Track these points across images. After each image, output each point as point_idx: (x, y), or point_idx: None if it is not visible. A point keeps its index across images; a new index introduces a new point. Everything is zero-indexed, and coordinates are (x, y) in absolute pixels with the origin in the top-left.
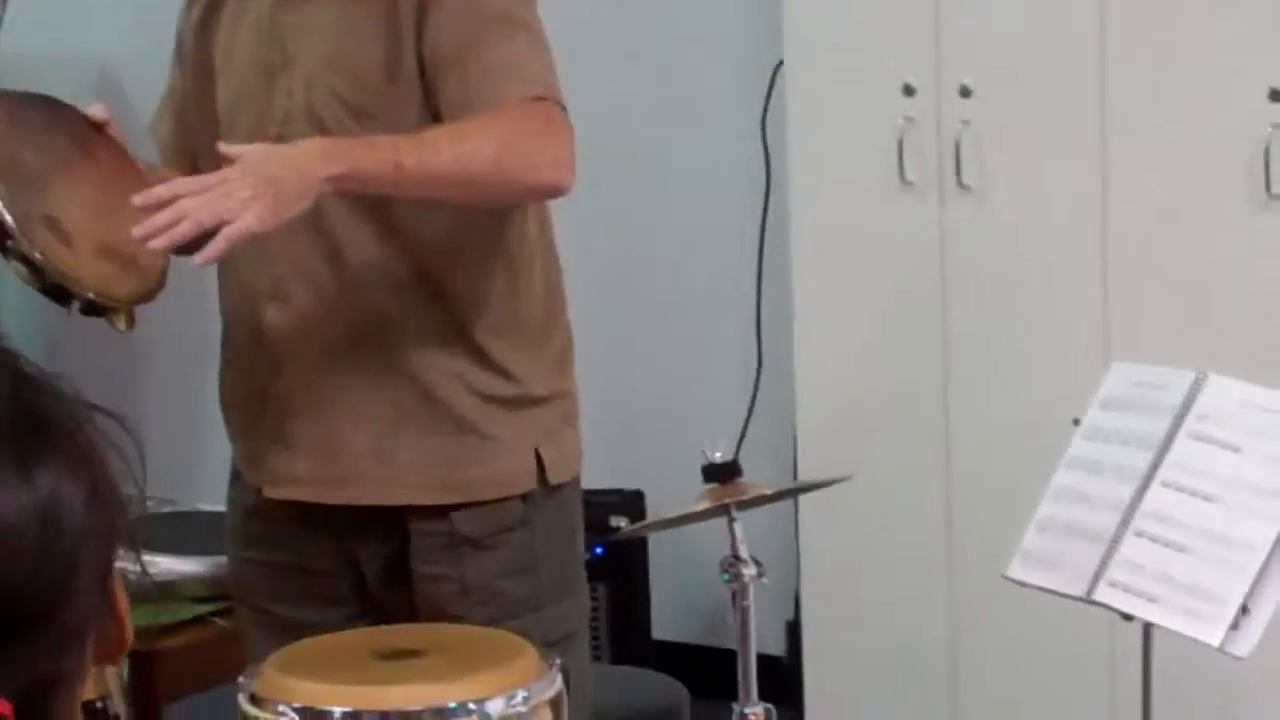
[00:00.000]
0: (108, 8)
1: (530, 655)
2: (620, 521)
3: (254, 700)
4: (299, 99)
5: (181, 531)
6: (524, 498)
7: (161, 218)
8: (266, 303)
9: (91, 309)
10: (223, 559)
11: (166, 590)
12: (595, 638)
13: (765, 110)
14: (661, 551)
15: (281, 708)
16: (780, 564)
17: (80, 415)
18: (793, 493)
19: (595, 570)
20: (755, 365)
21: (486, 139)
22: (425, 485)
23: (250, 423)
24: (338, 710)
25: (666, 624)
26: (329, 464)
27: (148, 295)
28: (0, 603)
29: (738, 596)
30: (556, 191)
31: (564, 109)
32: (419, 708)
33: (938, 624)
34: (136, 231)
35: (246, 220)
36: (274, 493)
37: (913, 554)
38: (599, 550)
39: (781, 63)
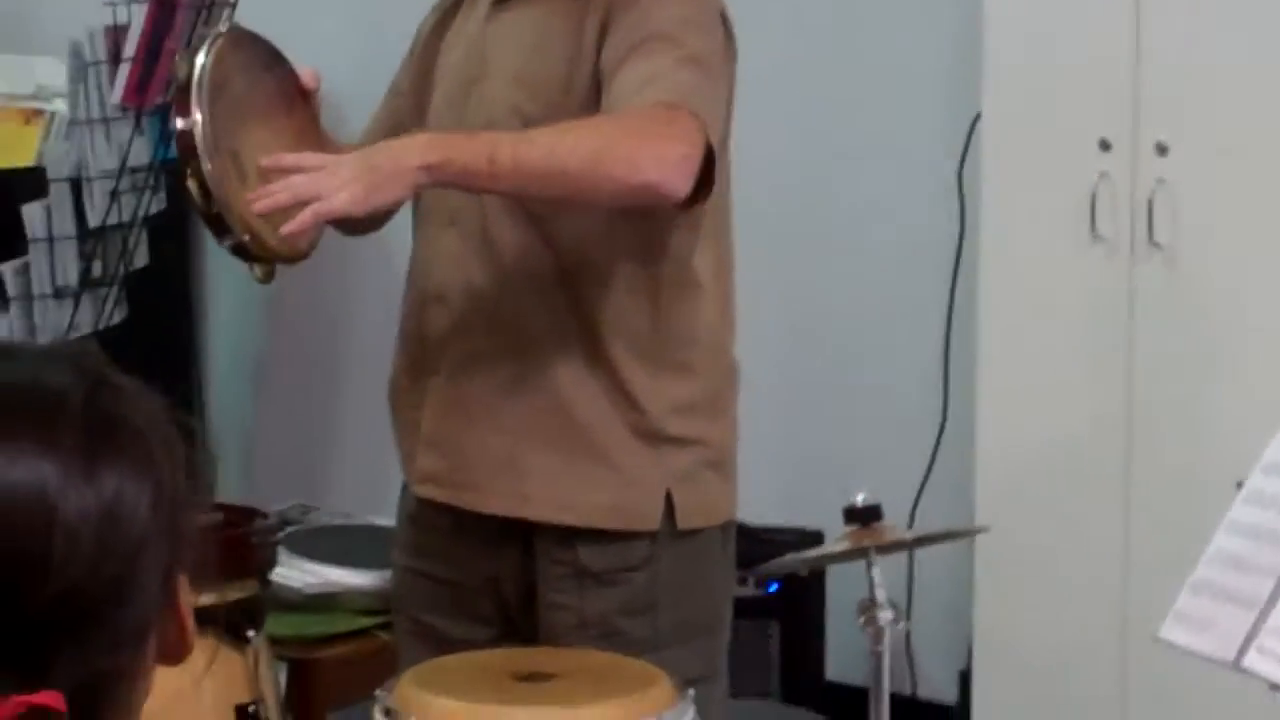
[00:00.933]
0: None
1: (663, 685)
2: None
3: (387, 713)
4: (486, 112)
5: (349, 544)
6: (652, 537)
7: (273, 184)
8: (431, 304)
9: (239, 250)
10: (388, 573)
11: (330, 601)
12: (766, 677)
13: (962, 161)
14: (839, 592)
15: None
16: (956, 613)
17: (155, 422)
18: (929, 540)
19: (769, 608)
20: (940, 412)
21: (591, 135)
22: (550, 502)
23: (410, 421)
24: None
25: (841, 666)
26: (463, 468)
27: (294, 256)
28: (58, 597)
29: (873, 640)
30: (659, 193)
31: (700, 121)
32: None
33: (1109, 682)
34: (250, 194)
35: (338, 200)
36: (418, 490)
37: (1086, 610)
38: (773, 588)
39: (980, 115)
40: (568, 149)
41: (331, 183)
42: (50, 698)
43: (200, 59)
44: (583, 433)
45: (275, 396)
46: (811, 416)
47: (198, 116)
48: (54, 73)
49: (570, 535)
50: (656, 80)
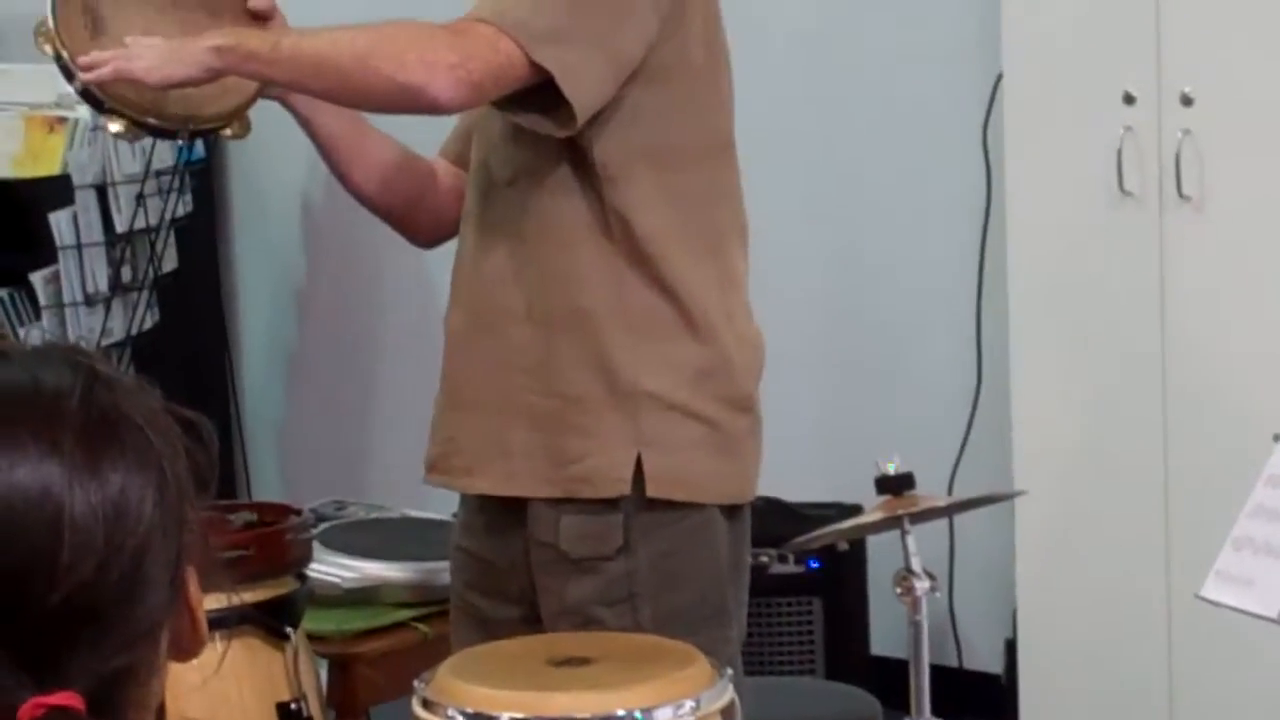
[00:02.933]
0: None
1: (701, 665)
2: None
3: (425, 705)
4: None
5: (386, 538)
6: (625, 517)
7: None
8: (451, 301)
9: (86, 95)
10: (425, 564)
11: (368, 595)
12: (810, 653)
13: (986, 121)
14: (880, 566)
15: (452, 712)
16: (999, 583)
17: (153, 415)
18: (965, 506)
19: (810, 585)
20: (975, 379)
21: (371, 34)
22: (533, 476)
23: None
24: (505, 716)
25: (886, 640)
26: (456, 452)
27: (140, 109)
28: (70, 597)
29: (911, 611)
30: (422, 96)
31: (507, 40)
32: (586, 715)
33: (1155, 648)
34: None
35: (137, 64)
36: (425, 480)
37: (1130, 571)
38: (814, 564)
39: (1002, 75)
40: (346, 42)
41: (140, 51)
42: (68, 698)
43: None
44: (563, 403)
45: (309, 393)
46: (846, 387)
47: None
48: None
49: (554, 514)
50: (494, 4)
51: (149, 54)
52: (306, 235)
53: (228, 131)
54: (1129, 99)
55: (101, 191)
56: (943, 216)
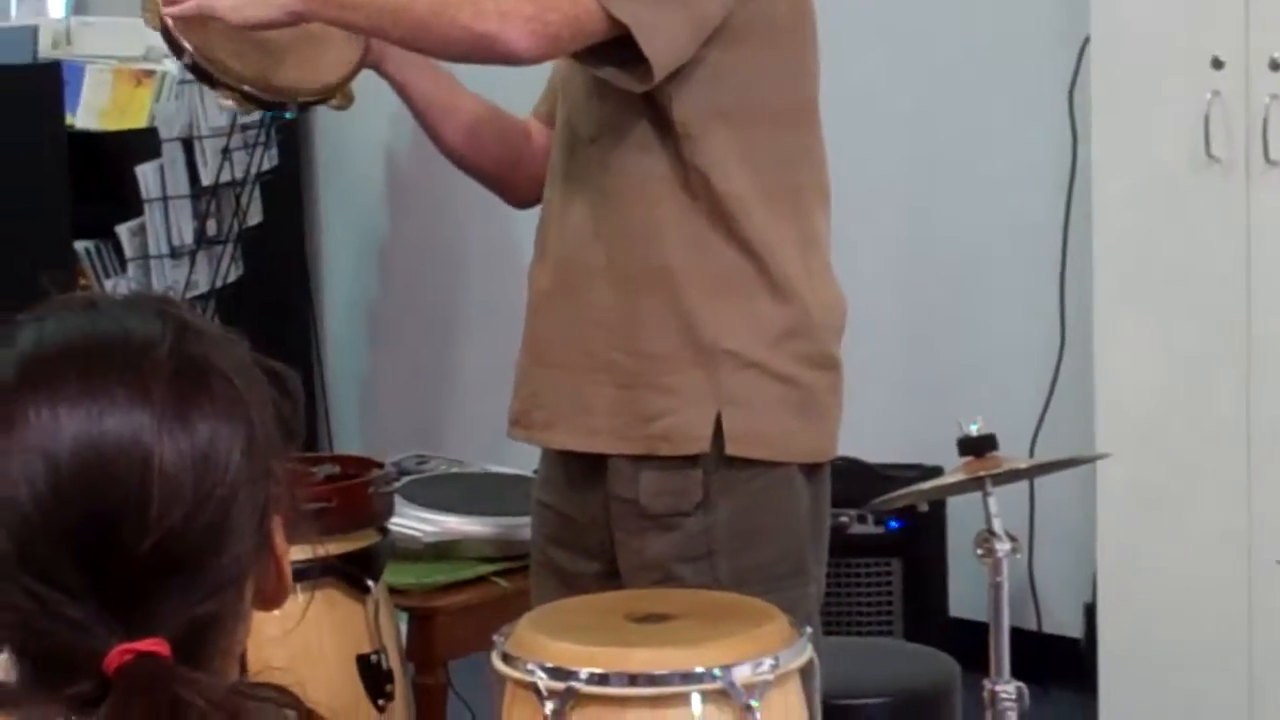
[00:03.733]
0: None
1: (780, 622)
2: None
3: (505, 659)
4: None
5: (467, 492)
6: (705, 472)
7: None
8: (535, 257)
9: (195, 69)
10: (505, 519)
11: (449, 550)
12: (888, 614)
13: (1073, 85)
14: (960, 528)
15: (531, 666)
16: (1079, 547)
17: (241, 366)
18: (1047, 469)
19: (890, 546)
20: (1058, 342)
21: None
22: (614, 433)
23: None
24: (584, 671)
25: (965, 602)
26: (539, 407)
27: (244, 79)
28: (158, 545)
29: (992, 572)
30: (498, 45)
31: (603, 8)
32: (665, 671)
33: (1236, 614)
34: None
35: (216, 3)
36: (508, 434)
37: (1212, 542)
38: (894, 525)
39: (1089, 38)
40: None
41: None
42: (156, 644)
43: None
44: (645, 361)
45: (391, 348)
46: (929, 349)
47: None
48: None
49: (635, 471)
50: None
51: None
52: (390, 191)
53: (333, 102)
54: (1217, 63)
55: (188, 145)
56: (1028, 179)
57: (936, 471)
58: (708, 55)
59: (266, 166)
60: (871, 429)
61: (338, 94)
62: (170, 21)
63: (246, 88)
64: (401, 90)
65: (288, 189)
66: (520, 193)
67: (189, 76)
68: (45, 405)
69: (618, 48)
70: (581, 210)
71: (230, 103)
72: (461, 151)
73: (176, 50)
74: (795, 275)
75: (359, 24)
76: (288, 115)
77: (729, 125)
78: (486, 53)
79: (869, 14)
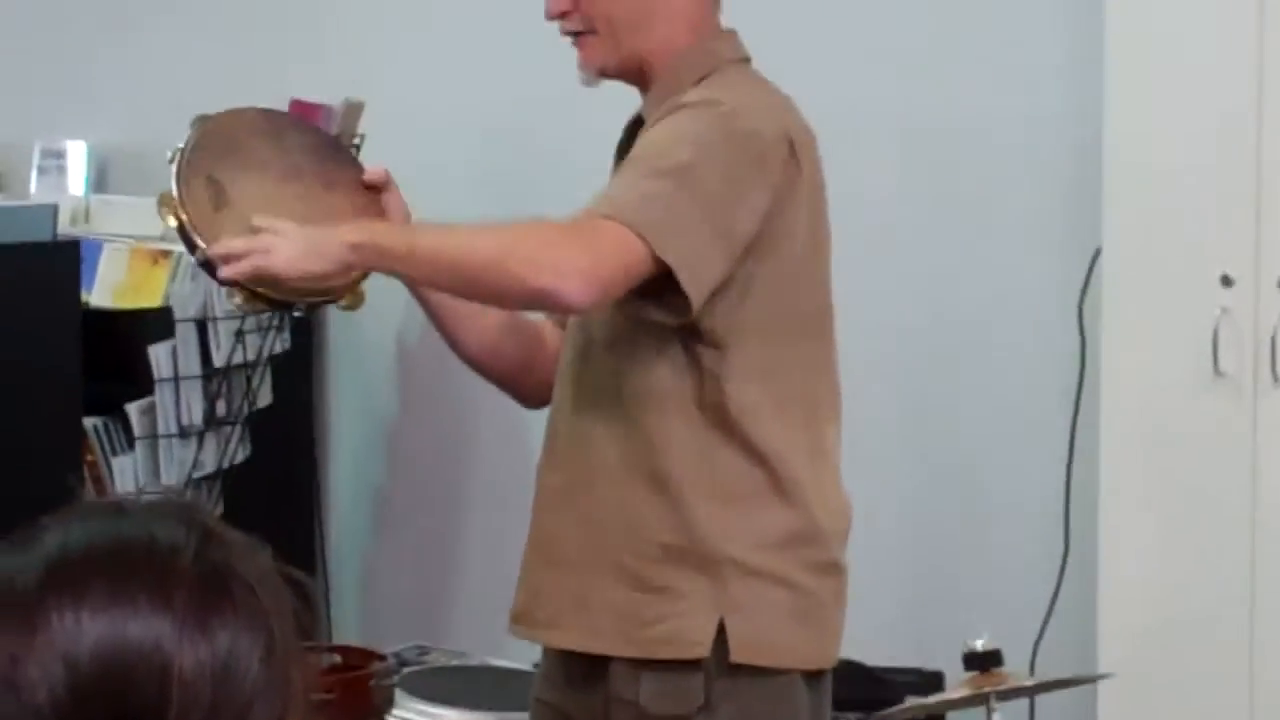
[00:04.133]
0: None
1: None
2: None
3: None
4: None
5: (467, 685)
6: (707, 676)
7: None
8: (544, 456)
9: (206, 266)
10: (505, 714)
11: None
12: None
13: (1083, 296)
14: None
15: None
16: None
17: (264, 575)
18: (1051, 687)
19: None
20: (1062, 549)
21: (505, 234)
22: (618, 636)
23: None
24: None
25: None
26: (542, 605)
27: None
28: None
29: None
30: (556, 300)
31: (631, 235)
32: None
33: None
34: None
35: (275, 259)
36: (511, 629)
37: None
38: None
39: (1100, 250)
40: (481, 243)
41: (277, 243)
42: None
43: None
44: (649, 565)
45: (395, 535)
46: (932, 552)
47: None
48: None
49: (636, 673)
50: (609, 195)
51: (285, 247)
52: (401, 378)
53: (343, 303)
54: (1226, 281)
55: (201, 326)
56: (1035, 390)
57: (936, 676)
58: (739, 269)
59: (279, 349)
60: (870, 631)
61: (347, 295)
62: (186, 217)
63: (257, 287)
64: (418, 297)
65: (299, 371)
66: (532, 396)
67: (224, 295)
68: (70, 610)
69: (653, 283)
70: (594, 413)
71: (239, 299)
72: (478, 356)
73: (190, 247)
74: (804, 482)
75: (413, 276)
76: (296, 313)
77: (759, 336)
78: (542, 306)
79: (877, 222)
